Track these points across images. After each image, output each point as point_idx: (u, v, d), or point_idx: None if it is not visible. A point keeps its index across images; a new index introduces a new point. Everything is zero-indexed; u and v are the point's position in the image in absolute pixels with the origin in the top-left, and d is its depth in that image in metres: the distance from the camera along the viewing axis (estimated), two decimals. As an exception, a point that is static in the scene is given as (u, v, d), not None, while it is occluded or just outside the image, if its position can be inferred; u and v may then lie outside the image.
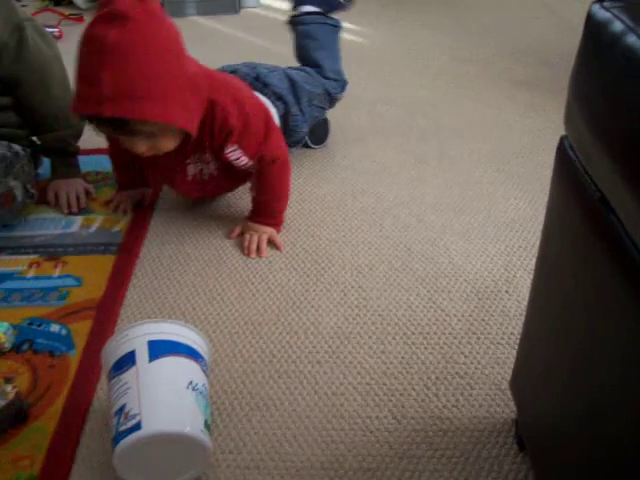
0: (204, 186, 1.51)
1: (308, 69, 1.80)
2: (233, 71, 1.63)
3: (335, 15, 1.90)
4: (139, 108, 1.16)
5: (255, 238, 1.47)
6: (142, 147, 1.28)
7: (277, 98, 1.62)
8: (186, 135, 1.31)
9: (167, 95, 1.20)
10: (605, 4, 0.69)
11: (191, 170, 1.46)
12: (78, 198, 1.63)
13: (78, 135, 1.64)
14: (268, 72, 1.65)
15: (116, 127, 1.22)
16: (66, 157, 1.66)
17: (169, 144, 1.30)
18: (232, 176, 1.51)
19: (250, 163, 1.42)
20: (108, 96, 1.14)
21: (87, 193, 1.66)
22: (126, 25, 1.14)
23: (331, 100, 1.83)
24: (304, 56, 1.88)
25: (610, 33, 0.64)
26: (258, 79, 1.62)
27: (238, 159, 1.40)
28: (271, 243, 1.48)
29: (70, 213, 1.60)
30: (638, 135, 0.56)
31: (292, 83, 1.68)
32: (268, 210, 1.51)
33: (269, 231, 1.49)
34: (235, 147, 1.38)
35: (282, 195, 1.52)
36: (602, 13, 0.68)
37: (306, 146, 1.84)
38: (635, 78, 0.58)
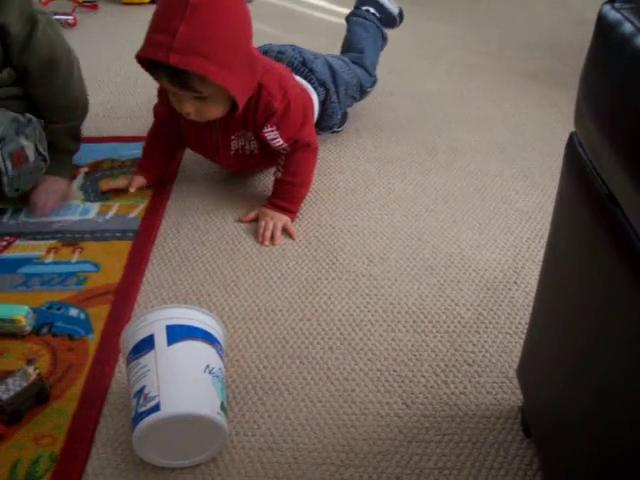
0: (244, 161, 1.59)
1: (346, 58, 1.87)
2: (280, 52, 1.70)
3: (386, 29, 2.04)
4: (204, 65, 1.27)
5: (270, 225, 1.50)
6: (189, 107, 1.37)
7: (320, 84, 1.70)
8: (231, 109, 1.41)
9: (231, 63, 1.31)
10: (616, 5, 0.71)
11: (234, 145, 1.54)
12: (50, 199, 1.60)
13: (73, 134, 1.65)
14: (313, 58, 1.72)
15: (175, 78, 1.30)
16: (58, 154, 1.63)
17: (215, 112, 1.40)
18: (270, 156, 1.57)
19: (284, 145, 1.50)
20: (179, 46, 1.25)
21: (64, 198, 1.62)
22: None
23: (362, 92, 1.90)
24: (352, 40, 1.98)
25: (620, 34, 0.66)
26: (305, 64, 1.70)
27: (274, 139, 1.49)
28: (285, 232, 1.51)
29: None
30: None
31: (332, 71, 1.75)
32: (289, 193, 1.55)
33: (284, 219, 1.52)
34: (274, 128, 1.47)
35: (305, 182, 1.56)
36: (613, 14, 0.69)
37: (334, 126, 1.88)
38: (643, 80, 0.60)
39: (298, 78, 1.65)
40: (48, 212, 1.57)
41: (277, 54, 1.69)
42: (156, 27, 1.30)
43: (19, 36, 1.47)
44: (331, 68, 1.75)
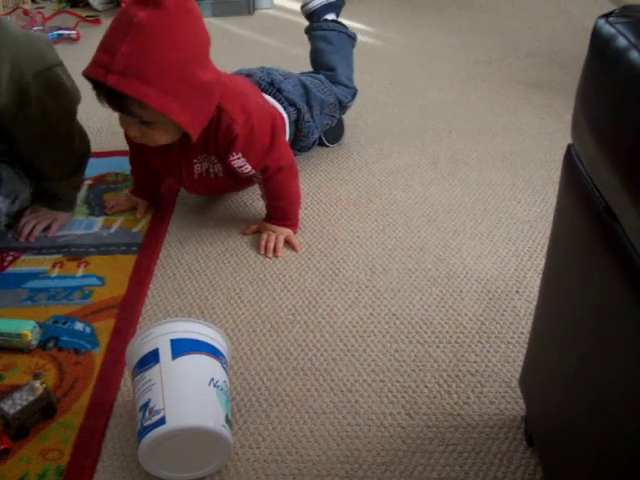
0: (210, 184, 1.54)
1: (321, 76, 1.82)
2: (249, 75, 1.66)
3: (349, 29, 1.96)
4: (141, 89, 1.20)
5: (272, 238, 1.51)
6: (134, 131, 1.32)
7: (290, 104, 1.66)
8: (185, 135, 1.33)
9: (175, 88, 1.23)
10: (610, 19, 0.71)
11: (197, 169, 1.49)
12: (37, 228, 1.57)
13: (76, 185, 1.62)
14: (283, 79, 1.68)
15: (112, 100, 1.26)
16: (60, 199, 1.61)
17: (162, 138, 1.34)
18: (237, 178, 1.53)
19: (253, 172, 1.46)
20: (118, 67, 1.19)
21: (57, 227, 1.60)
22: (157, 11, 1.20)
23: (342, 108, 1.86)
24: (319, 59, 1.91)
25: (614, 49, 0.66)
26: (273, 84, 1.66)
27: (242, 167, 1.44)
28: (287, 244, 1.52)
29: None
30: (640, 150, 0.59)
31: (306, 90, 1.72)
32: (282, 213, 1.54)
33: (286, 232, 1.52)
34: (239, 155, 1.41)
35: (293, 199, 1.55)
36: (607, 28, 0.70)
37: (322, 144, 1.88)
38: (638, 93, 0.61)
39: (268, 98, 1.61)
40: (32, 240, 1.55)
41: (245, 76, 1.65)
42: (101, 45, 1.24)
43: (9, 109, 1.38)
44: (304, 87, 1.72)
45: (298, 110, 1.68)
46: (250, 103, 1.43)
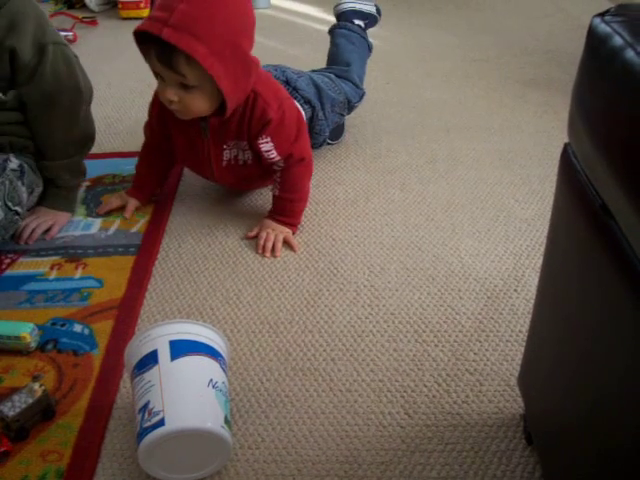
0: (238, 173, 1.56)
1: (332, 75, 1.85)
2: None
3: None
4: (193, 45, 1.25)
5: (272, 237, 1.51)
6: (172, 94, 1.34)
7: (305, 102, 1.69)
8: (219, 112, 1.40)
9: (223, 52, 1.29)
10: (606, 18, 0.72)
11: (227, 155, 1.52)
12: (36, 231, 1.57)
13: (74, 170, 1.62)
14: (297, 77, 1.72)
15: (162, 54, 1.28)
16: (57, 188, 1.62)
17: (199, 105, 1.37)
18: (264, 169, 1.55)
19: (278, 159, 1.49)
20: (174, 23, 1.24)
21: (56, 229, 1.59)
22: None
23: (350, 108, 1.89)
24: (338, 53, 1.97)
25: (610, 48, 0.67)
26: (288, 83, 1.69)
27: (269, 151, 1.47)
28: (286, 244, 1.52)
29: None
30: (636, 149, 0.59)
31: (317, 89, 1.75)
32: (289, 209, 1.55)
33: (285, 231, 1.52)
34: (268, 139, 1.46)
35: (303, 195, 1.56)
36: (603, 27, 0.70)
37: (324, 142, 1.89)
38: (633, 93, 0.61)
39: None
40: (32, 243, 1.55)
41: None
42: (157, 6, 1.29)
43: (27, 65, 1.46)
44: (316, 86, 1.75)
45: (313, 108, 1.71)
46: (282, 93, 1.50)
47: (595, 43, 0.70)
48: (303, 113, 1.65)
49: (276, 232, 1.52)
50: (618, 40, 0.66)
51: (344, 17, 2.04)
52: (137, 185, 1.67)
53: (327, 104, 1.77)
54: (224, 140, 1.49)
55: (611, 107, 0.65)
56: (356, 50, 1.98)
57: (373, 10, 2.06)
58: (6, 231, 1.48)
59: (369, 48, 2.03)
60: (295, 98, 1.66)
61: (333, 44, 2.01)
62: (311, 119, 1.73)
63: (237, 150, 1.51)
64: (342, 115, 1.88)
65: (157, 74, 1.36)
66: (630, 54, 0.63)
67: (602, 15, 0.72)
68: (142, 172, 1.67)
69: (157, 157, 1.64)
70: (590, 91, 0.71)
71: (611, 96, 0.65)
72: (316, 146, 1.81)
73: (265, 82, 1.46)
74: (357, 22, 2.02)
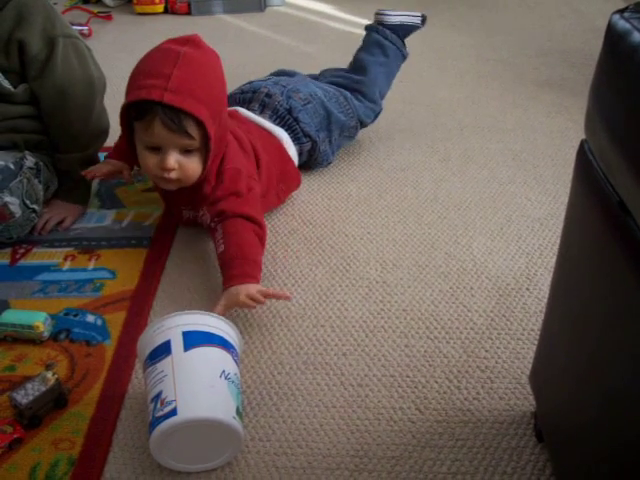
0: (202, 224, 1.49)
1: (347, 93, 1.80)
2: (268, 95, 1.67)
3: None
4: (199, 107, 1.27)
5: (246, 302, 1.25)
6: (174, 161, 1.32)
7: (304, 135, 1.68)
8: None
9: (218, 114, 1.33)
10: (625, 15, 0.72)
11: (185, 214, 1.52)
12: (50, 222, 1.57)
13: (87, 163, 1.59)
14: (302, 107, 1.68)
15: (171, 120, 1.27)
16: (72, 181, 1.62)
17: (196, 169, 1.36)
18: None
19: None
20: (173, 88, 1.25)
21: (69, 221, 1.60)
22: (198, 47, 1.33)
23: (362, 126, 1.87)
24: (365, 61, 1.88)
25: (629, 44, 0.66)
26: (290, 112, 1.66)
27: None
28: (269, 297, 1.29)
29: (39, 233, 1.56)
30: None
31: (327, 113, 1.72)
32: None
33: (250, 288, 1.25)
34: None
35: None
36: (622, 24, 0.70)
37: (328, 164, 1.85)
38: (652, 89, 0.61)
39: (278, 130, 1.64)
40: (45, 234, 1.56)
41: (264, 97, 1.66)
42: (148, 73, 1.29)
43: (37, 58, 1.47)
44: (326, 109, 1.71)
45: (313, 142, 1.69)
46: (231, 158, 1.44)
47: (614, 39, 0.70)
48: (296, 148, 1.66)
49: (240, 297, 1.25)
50: (637, 36, 0.66)
51: (388, 26, 1.91)
52: (119, 152, 1.58)
53: (335, 131, 1.74)
54: (179, 204, 1.50)
55: (630, 102, 0.65)
56: (387, 64, 1.90)
57: (418, 22, 1.94)
58: (22, 229, 1.49)
59: (404, 57, 1.95)
60: (294, 130, 1.66)
61: (365, 51, 1.91)
62: (310, 151, 1.72)
63: (194, 212, 1.49)
64: (352, 138, 1.86)
65: (150, 147, 1.33)
66: (650, 51, 0.63)
67: (621, 12, 0.72)
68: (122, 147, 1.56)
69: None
70: (608, 87, 0.71)
71: (630, 92, 0.65)
72: (321, 167, 1.79)
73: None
74: (395, 36, 1.91)
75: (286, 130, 1.66)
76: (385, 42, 1.90)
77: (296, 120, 1.66)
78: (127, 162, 1.56)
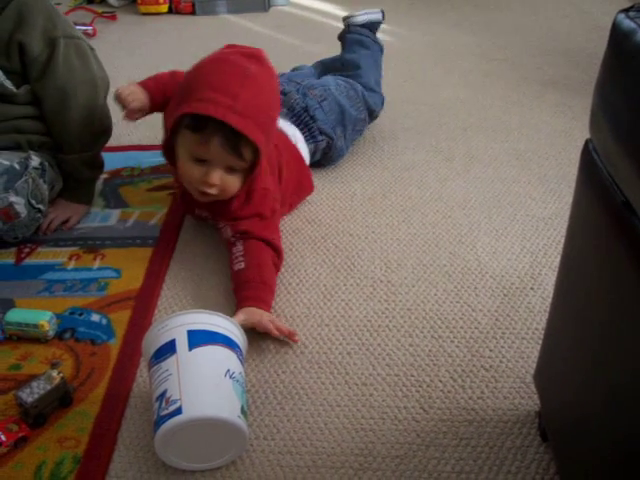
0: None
1: (358, 86, 1.84)
2: (284, 92, 1.67)
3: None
4: (258, 134, 1.28)
5: (268, 326, 1.24)
6: (218, 178, 1.32)
7: (321, 133, 1.69)
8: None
9: (269, 137, 1.35)
10: (630, 14, 0.72)
11: (198, 212, 1.54)
12: (54, 222, 1.57)
13: (91, 163, 1.61)
14: (318, 104, 1.69)
15: (230, 141, 1.27)
16: (75, 182, 1.62)
17: (236, 186, 1.36)
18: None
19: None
20: (239, 109, 1.25)
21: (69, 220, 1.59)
22: (262, 65, 1.33)
23: (371, 119, 1.91)
24: (353, 58, 1.97)
25: (634, 43, 0.66)
26: (307, 110, 1.68)
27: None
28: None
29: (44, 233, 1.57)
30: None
31: (341, 110, 1.74)
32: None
33: (265, 316, 1.25)
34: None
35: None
36: (627, 23, 0.70)
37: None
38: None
39: (292, 130, 1.65)
40: (50, 233, 1.56)
41: (280, 95, 1.63)
42: (215, 87, 1.26)
43: (37, 60, 1.46)
44: (340, 106, 1.74)
45: (330, 139, 1.71)
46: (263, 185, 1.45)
47: (619, 39, 0.70)
48: (308, 148, 1.67)
49: (261, 319, 1.24)
50: (643, 36, 0.66)
51: (354, 27, 2.06)
52: (159, 92, 1.50)
53: (349, 127, 1.77)
54: (199, 208, 1.51)
55: (635, 101, 0.65)
56: (371, 54, 2.00)
57: (380, 17, 2.10)
58: (28, 229, 1.49)
59: (381, 50, 2.07)
60: (310, 129, 1.67)
61: (348, 51, 2.02)
62: (325, 148, 1.73)
63: (212, 222, 1.52)
64: (362, 131, 1.89)
65: (197, 159, 1.32)
66: (655, 50, 0.63)
67: (626, 11, 0.72)
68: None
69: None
70: (613, 86, 0.71)
71: (635, 91, 0.65)
72: (333, 163, 1.81)
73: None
74: (366, 32, 2.05)
75: (302, 128, 1.67)
76: (362, 37, 2.03)
77: (313, 118, 1.68)
78: (153, 108, 1.51)
